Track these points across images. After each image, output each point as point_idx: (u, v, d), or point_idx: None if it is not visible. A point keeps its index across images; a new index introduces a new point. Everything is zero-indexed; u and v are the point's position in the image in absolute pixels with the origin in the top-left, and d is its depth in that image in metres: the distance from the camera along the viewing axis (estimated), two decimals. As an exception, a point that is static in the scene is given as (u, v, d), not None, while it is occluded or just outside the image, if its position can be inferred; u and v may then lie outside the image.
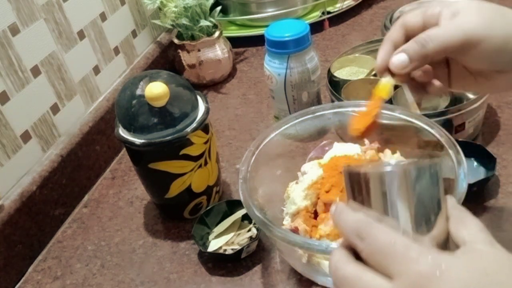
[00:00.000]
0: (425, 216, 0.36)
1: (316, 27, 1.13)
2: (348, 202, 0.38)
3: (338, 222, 0.37)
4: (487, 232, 0.36)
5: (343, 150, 0.65)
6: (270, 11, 1.14)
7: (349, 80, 0.82)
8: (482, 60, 0.47)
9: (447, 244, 0.37)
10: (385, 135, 0.68)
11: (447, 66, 0.52)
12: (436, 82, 0.53)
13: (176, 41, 1.02)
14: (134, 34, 1.01)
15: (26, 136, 0.74)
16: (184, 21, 0.97)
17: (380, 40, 0.88)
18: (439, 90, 0.53)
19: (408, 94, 0.75)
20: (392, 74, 0.50)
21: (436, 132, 0.60)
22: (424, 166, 0.36)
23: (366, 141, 0.66)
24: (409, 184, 0.35)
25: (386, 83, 0.51)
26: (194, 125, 0.65)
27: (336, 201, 0.58)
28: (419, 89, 0.54)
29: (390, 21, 1.04)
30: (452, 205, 0.38)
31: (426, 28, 0.48)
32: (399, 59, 0.48)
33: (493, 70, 0.48)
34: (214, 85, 1.04)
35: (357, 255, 0.36)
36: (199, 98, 0.69)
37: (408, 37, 0.49)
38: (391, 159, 0.64)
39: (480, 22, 0.45)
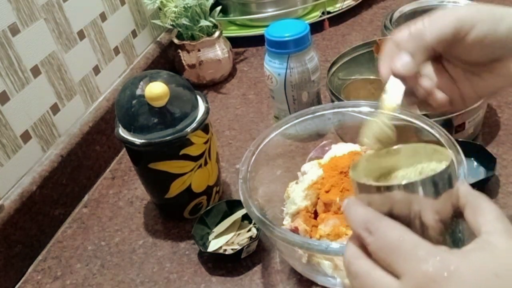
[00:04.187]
0: (433, 182, 0.35)
1: (316, 27, 1.13)
2: (358, 196, 0.38)
3: (348, 214, 0.37)
4: (504, 221, 0.35)
5: (343, 150, 0.65)
6: (270, 11, 1.14)
7: (349, 80, 0.82)
8: (476, 47, 0.46)
9: (451, 226, 0.36)
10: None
11: (453, 81, 0.51)
12: (439, 94, 0.50)
13: (176, 41, 1.02)
14: (134, 34, 1.01)
15: (26, 136, 0.74)
16: (184, 21, 0.97)
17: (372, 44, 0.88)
18: (444, 102, 0.51)
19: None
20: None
21: (436, 132, 0.60)
22: (433, 176, 0.35)
23: (366, 141, 0.66)
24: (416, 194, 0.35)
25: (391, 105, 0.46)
26: (194, 125, 0.65)
27: (338, 200, 0.58)
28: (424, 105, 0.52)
29: (390, 21, 1.04)
30: (468, 192, 0.37)
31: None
32: (401, 59, 0.46)
33: (491, 60, 0.48)
34: (214, 85, 1.04)
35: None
36: (199, 98, 0.69)
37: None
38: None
39: (466, 9, 0.46)
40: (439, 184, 0.35)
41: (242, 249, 0.64)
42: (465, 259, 0.32)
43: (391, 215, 0.36)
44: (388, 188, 0.35)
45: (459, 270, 0.31)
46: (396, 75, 0.47)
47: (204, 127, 0.67)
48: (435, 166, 0.38)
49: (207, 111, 0.67)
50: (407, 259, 0.32)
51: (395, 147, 0.42)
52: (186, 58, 1.02)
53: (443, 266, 0.32)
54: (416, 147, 0.41)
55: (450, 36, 0.46)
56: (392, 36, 0.49)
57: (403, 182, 0.35)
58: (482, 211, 0.35)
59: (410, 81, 0.47)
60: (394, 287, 0.33)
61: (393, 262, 0.33)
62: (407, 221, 0.35)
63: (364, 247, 0.36)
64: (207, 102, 0.69)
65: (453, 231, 0.37)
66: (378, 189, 0.36)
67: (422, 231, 0.35)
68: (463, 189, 0.37)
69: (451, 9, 0.48)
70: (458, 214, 0.37)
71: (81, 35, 0.86)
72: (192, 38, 1.01)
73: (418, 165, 0.39)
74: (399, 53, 0.47)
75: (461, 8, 0.47)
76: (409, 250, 0.33)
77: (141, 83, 0.64)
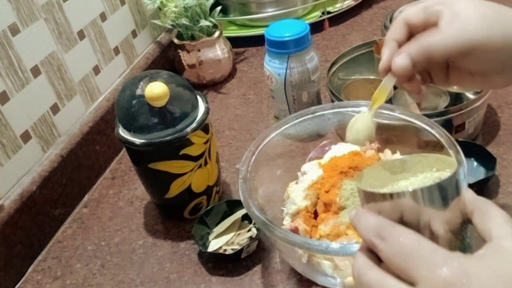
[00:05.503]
0: (440, 189, 0.35)
1: (316, 27, 1.13)
2: (366, 206, 0.38)
3: (358, 223, 0.36)
4: None
5: (343, 150, 0.65)
6: (270, 11, 1.14)
7: (349, 80, 0.82)
8: (481, 62, 0.47)
9: (460, 233, 0.36)
10: (385, 135, 0.68)
11: (445, 65, 0.52)
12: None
13: (176, 41, 1.02)
14: (134, 34, 1.01)
15: (26, 136, 0.74)
16: (184, 21, 0.97)
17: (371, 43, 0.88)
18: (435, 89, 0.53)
19: (408, 94, 0.75)
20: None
21: (436, 132, 0.60)
22: (444, 181, 0.35)
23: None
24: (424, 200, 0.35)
25: (385, 87, 0.51)
26: (194, 125, 0.65)
27: (336, 201, 0.58)
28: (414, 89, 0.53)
29: (390, 21, 1.04)
30: (474, 198, 0.37)
31: (427, 26, 0.47)
32: (402, 62, 0.47)
33: (491, 70, 0.48)
34: (214, 85, 1.04)
35: (379, 259, 0.35)
36: (199, 98, 0.69)
37: (411, 34, 0.49)
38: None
39: (479, 26, 0.45)
40: (446, 191, 0.35)
41: (242, 249, 0.64)
42: (481, 264, 0.32)
43: (401, 224, 0.35)
44: (395, 195, 0.35)
45: (477, 274, 0.31)
46: (392, 70, 0.48)
47: (204, 127, 0.67)
48: (439, 175, 0.38)
49: (207, 111, 0.67)
50: (423, 265, 0.32)
51: (399, 158, 0.43)
52: (186, 58, 1.02)
53: (461, 271, 0.31)
54: (419, 157, 0.41)
55: (456, 54, 0.46)
56: (405, 12, 0.49)
57: (410, 189, 0.35)
58: (490, 216, 0.35)
59: (402, 77, 0.49)
60: None
61: (409, 268, 0.32)
62: (416, 230, 0.35)
63: (373, 258, 0.35)
64: (207, 102, 0.69)
65: (463, 238, 0.36)
66: (385, 197, 0.36)
67: (432, 240, 0.35)
68: (469, 195, 0.37)
69: (462, 24, 0.45)
70: (466, 220, 0.37)
71: (81, 35, 0.86)
72: (192, 38, 1.01)
73: (420, 175, 0.39)
74: (400, 52, 0.48)
75: (474, 23, 0.45)
76: (426, 255, 0.32)
77: (141, 83, 0.64)
